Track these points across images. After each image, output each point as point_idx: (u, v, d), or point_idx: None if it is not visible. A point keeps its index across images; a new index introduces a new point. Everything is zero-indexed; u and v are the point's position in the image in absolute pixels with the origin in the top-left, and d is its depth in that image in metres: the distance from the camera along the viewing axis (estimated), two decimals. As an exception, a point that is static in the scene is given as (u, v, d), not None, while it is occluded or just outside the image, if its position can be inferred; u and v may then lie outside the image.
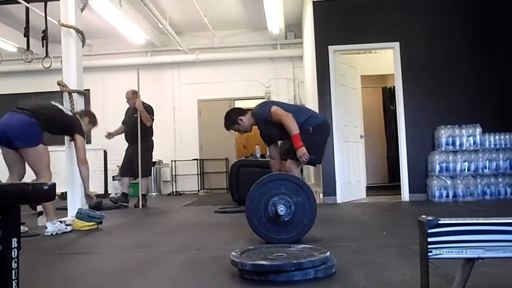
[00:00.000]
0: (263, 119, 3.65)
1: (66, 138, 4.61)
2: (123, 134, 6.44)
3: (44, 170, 3.69)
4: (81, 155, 3.96)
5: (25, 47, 5.76)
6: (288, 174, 3.25)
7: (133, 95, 6.28)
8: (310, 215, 2.87)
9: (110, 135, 6.36)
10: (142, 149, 6.09)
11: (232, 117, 3.80)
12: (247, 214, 2.88)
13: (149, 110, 6.26)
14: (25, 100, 9.26)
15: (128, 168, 6.31)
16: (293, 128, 3.46)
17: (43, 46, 5.46)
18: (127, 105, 6.49)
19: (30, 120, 3.61)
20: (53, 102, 3.96)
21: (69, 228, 3.90)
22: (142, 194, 6.27)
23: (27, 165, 3.76)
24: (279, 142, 4.07)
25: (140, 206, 6.07)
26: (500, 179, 5.54)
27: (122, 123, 6.48)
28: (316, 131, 3.62)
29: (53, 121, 3.81)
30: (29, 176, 3.75)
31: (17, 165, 3.71)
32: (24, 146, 3.61)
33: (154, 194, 8.92)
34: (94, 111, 4.52)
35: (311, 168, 7.59)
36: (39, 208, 4.35)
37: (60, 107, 4.00)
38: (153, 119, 6.29)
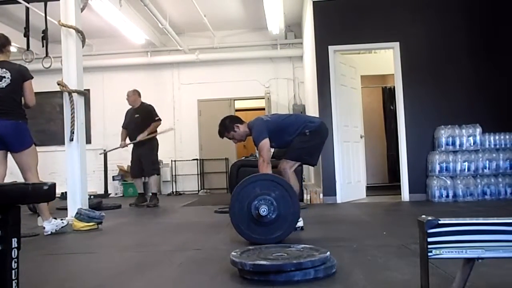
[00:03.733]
0: (254, 139, 3.66)
1: (66, 138, 4.61)
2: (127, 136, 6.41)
3: (35, 169, 3.73)
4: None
5: (25, 47, 5.75)
6: (259, 174, 3.21)
7: (134, 94, 6.27)
8: (294, 203, 2.87)
9: (124, 143, 6.35)
10: (149, 148, 6.13)
11: (228, 124, 3.79)
12: (235, 226, 2.88)
13: (151, 111, 6.25)
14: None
15: (137, 169, 6.30)
16: (262, 171, 3.43)
17: (43, 46, 5.45)
18: (127, 106, 6.48)
19: (18, 123, 3.63)
20: None
21: (65, 222, 3.92)
22: (153, 193, 6.27)
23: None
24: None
25: (152, 206, 6.11)
26: (500, 179, 5.54)
27: (123, 127, 6.39)
28: (313, 134, 3.62)
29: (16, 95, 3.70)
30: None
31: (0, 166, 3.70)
32: (24, 149, 3.65)
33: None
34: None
35: (311, 168, 7.60)
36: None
37: None
38: (159, 119, 6.25)
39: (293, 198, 2.88)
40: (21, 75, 3.71)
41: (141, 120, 6.15)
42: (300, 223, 3.43)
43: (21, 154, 3.65)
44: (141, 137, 6.08)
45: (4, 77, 3.64)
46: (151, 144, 6.25)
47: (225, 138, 3.96)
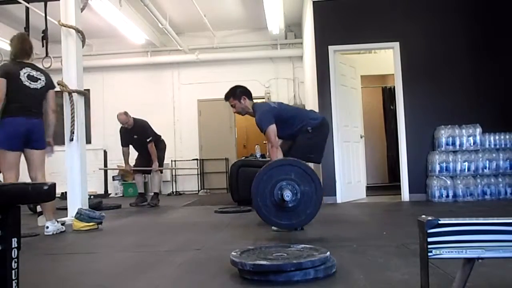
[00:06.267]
0: (256, 121, 3.66)
1: (66, 138, 4.61)
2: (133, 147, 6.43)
3: (44, 170, 3.85)
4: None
5: (25, 47, 5.75)
6: (300, 161, 3.21)
7: (123, 115, 6.13)
8: (315, 206, 2.88)
9: (129, 167, 6.36)
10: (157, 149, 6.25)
11: (237, 93, 3.78)
12: (253, 193, 2.90)
13: (146, 128, 6.20)
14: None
15: (140, 164, 6.32)
16: (273, 157, 3.44)
17: (43, 46, 5.45)
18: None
19: (42, 122, 3.81)
20: (26, 83, 3.71)
21: (64, 228, 3.96)
22: (155, 193, 6.26)
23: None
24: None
25: (153, 205, 6.12)
26: (500, 179, 5.54)
27: (124, 145, 6.31)
28: (315, 131, 3.63)
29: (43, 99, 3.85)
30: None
31: (17, 167, 3.74)
32: (43, 147, 3.83)
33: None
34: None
35: (311, 168, 7.60)
36: (39, 208, 4.35)
37: (28, 84, 3.73)
38: (151, 140, 6.15)
39: (318, 199, 2.89)
40: (51, 83, 3.92)
41: (141, 139, 6.15)
42: None
43: (39, 152, 3.80)
44: (155, 167, 6.18)
45: (40, 79, 3.82)
46: (159, 146, 6.35)
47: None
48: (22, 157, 3.79)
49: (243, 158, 7.10)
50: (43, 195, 1.36)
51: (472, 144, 5.59)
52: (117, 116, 6.15)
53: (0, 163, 3.72)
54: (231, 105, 3.86)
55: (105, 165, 9.13)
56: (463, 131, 5.61)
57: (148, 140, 6.10)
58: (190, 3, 7.18)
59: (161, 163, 6.41)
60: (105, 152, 9.22)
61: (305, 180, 2.85)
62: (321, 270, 1.98)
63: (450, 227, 1.42)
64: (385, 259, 2.35)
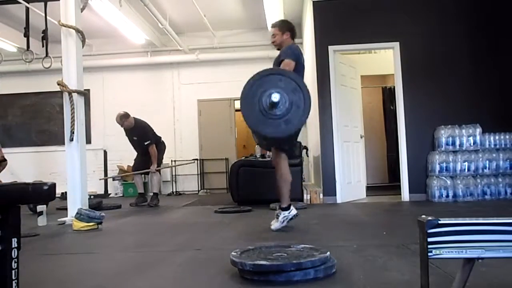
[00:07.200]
0: (280, 55, 3.74)
1: (66, 138, 4.62)
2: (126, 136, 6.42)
3: None
4: None
5: (25, 47, 5.76)
6: (289, 71, 3.23)
7: (122, 118, 6.11)
8: (303, 115, 2.92)
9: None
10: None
11: (287, 27, 3.88)
12: (242, 101, 2.93)
13: (145, 129, 6.20)
14: (24, 100, 9.30)
15: (138, 165, 6.32)
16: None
17: (43, 46, 5.46)
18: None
19: None
20: None
21: None
22: (154, 193, 6.26)
23: None
24: None
25: (153, 205, 6.10)
26: (500, 179, 5.54)
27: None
28: None
29: None
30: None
31: None
32: None
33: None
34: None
35: (311, 168, 7.62)
36: (39, 208, 4.36)
37: None
38: (150, 143, 6.13)
39: (306, 108, 2.91)
40: None
41: (141, 141, 6.15)
42: (293, 212, 3.48)
43: None
44: (153, 168, 6.16)
45: None
46: (158, 148, 6.33)
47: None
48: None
49: (243, 158, 7.09)
50: (43, 195, 1.36)
51: (472, 144, 5.59)
52: (116, 120, 6.17)
53: None
54: (273, 34, 3.91)
55: (105, 165, 9.13)
56: (463, 131, 5.61)
57: (146, 143, 6.10)
58: (190, 3, 7.18)
59: (159, 164, 6.40)
60: (105, 152, 9.22)
61: (294, 90, 2.89)
62: (321, 270, 1.98)
63: (450, 227, 1.42)
64: (385, 259, 2.35)
